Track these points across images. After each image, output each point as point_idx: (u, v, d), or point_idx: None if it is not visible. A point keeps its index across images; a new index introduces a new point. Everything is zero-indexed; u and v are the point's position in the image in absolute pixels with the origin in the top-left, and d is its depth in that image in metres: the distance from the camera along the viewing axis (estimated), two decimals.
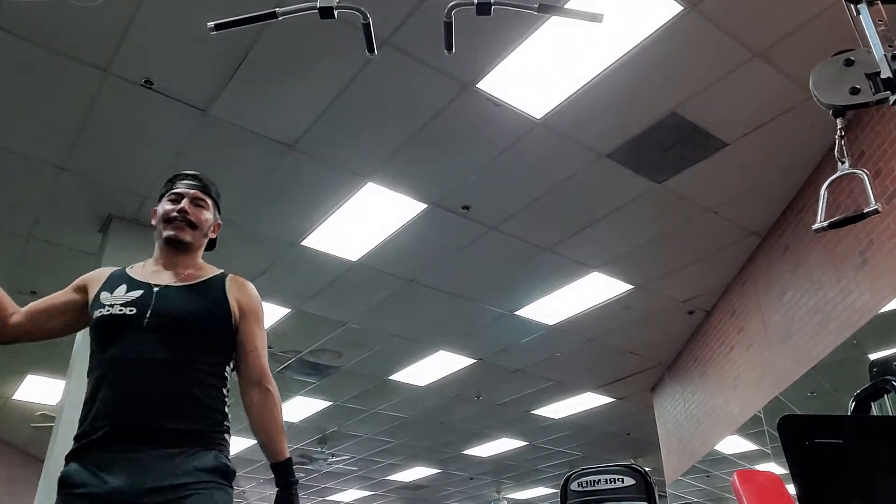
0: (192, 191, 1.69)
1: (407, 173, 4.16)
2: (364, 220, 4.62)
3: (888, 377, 2.47)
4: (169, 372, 1.48)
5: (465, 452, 9.55)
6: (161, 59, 3.35)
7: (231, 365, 1.63)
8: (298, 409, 7.93)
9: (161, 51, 3.30)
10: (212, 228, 1.74)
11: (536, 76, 3.47)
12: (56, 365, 6.33)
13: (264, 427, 1.60)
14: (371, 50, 1.59)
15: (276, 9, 1.52)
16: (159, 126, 3.77)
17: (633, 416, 8.14)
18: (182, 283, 1.62)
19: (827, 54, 1.28)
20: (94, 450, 1.40)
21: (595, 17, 1.49)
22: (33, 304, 1.63)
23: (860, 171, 1.16)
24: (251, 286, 1.71)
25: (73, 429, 1.45)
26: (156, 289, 1.57)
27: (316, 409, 7.92)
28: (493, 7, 1.46)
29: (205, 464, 1.43)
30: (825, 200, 1.15)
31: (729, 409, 5.68)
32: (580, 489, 2.84)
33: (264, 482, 11.07)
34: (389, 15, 3.10)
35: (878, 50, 1.17)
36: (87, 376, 1.52)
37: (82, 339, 4.24)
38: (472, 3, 1.46)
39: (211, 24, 1.50)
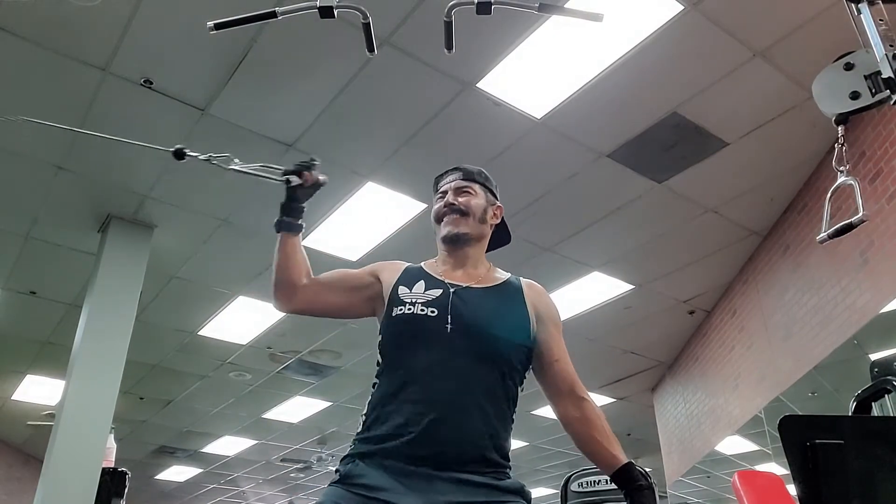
0: (452, 182, 1.63)
1: (407, 173, 4.16)
2: (364, 220, 4.61)
3: (889, 377, 2.47)
4: (478, 392, 1.35)
5: None
6: (160, 59, 3.35)
7: (523, 387, 1.47)
8: (298, 409, 7.93)
9: (160, 50, 3.30)
10: (490, 214, 1.62)
11: (536, 76, 3.46)
12: (55, 365, 6.33)
13: (592, 440, 1.44)
14: (371, 49, 1.58)
15: (276, 8, 1.52)
16: (159, 126, 3.76)
17: (633, 416, 8.12)
18: (479, 286, 1.50)
19: (828, 54, 1.28)
20: (388, 457, 1.30)
21: (595, 17, 1.49)
22: (325, 273, 1.56)
23: (852, 181, 1.18)
24: (545, 291, 1.58)
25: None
26: (453, 289, 1.45)
27: (316, 409, 7.91)
28: (493, 6, 1.45)
29: (501, 485, 1.32)
30: (829, 210, 1.16)
31: (729, 410, 5.67)
32: (580, 490, 2.84)
33: (264, 482, 11.07)
34: (389, 14, 3.09)
35: (878, 49, 1.17)
36: (379, 375, 1.43)
37: (82, 339, 4.23)
38: (473, 3, 1.45)
39: (210, 23, 1.50)
